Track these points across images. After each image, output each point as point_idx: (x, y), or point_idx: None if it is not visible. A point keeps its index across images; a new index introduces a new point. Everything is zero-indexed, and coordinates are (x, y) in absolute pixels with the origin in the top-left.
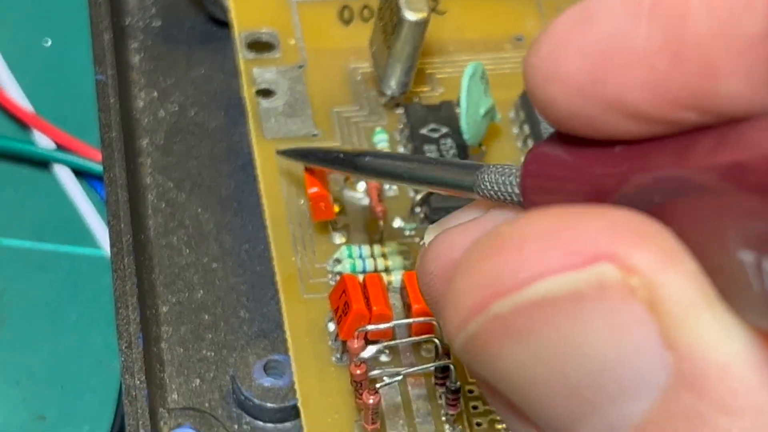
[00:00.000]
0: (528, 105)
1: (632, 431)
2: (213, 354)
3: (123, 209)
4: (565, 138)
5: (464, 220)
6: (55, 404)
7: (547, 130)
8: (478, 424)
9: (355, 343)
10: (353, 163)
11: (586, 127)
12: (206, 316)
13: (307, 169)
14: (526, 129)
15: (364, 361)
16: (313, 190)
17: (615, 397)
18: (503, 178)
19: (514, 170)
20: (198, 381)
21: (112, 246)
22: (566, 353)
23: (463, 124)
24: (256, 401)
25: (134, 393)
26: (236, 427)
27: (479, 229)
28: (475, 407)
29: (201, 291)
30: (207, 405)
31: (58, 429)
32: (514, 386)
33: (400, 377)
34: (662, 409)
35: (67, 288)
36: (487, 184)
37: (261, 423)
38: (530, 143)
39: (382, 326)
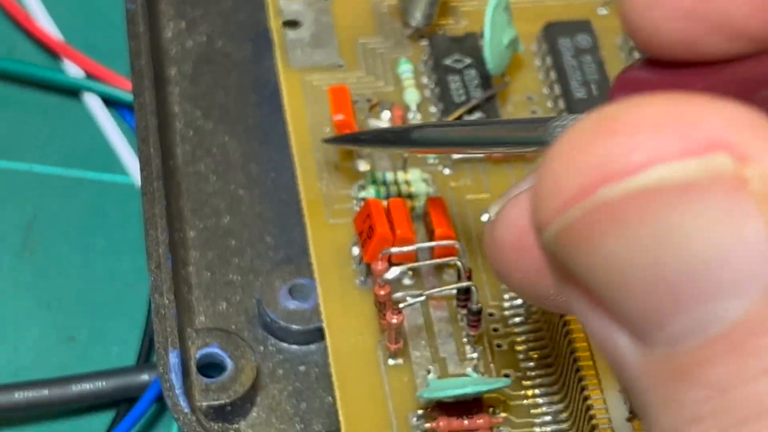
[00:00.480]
0: (551, 37)
1: (725, 329)
2: (239, 278)
3: (152, 135)
4: (654, 62)
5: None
6: (85, 326)
7: (568, 63)
8: (498, 346)
9: (379, 265)
10: (407, 138)
11: (686, 50)
12: (233, 242)
13: (332, 95)
14: (549, 61)
15: (388, 282)
16: (338, 117)
17: (713, 294)
18: None
19: None
20: (224, 304)
21: (141, 170)
22: (669, 245)
23: (487, 53)
24: (282, 323)
25: (163, 312)
26: (262, 348)
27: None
28: (495, 329)
29: (228, 217)
30: (233, 327)
31: (88, 350)
32: (608, 278)
33: (422, 297)
34: (761, 310)
35: (95, 214)
36: (561, 131)
37: (286, 345)
38: (552, 75)
39: (405, 249)
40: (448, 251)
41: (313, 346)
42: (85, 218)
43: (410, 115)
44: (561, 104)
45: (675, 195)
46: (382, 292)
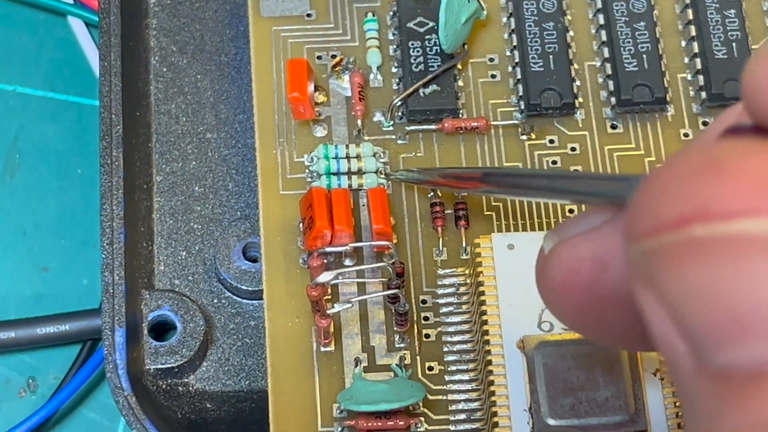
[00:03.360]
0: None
1: None
2: (200, 227)
3: (115, 99)
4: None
5: (585, 228)
6: (58, 256)
7: (531, 30)
8: (427, 336)
9: (315, 261)
10: (483, 180)
11: None
12: (196, 188)
13: (289, 70)
14: (512, 23)
15: (320, 284)
16: (294, 94)
17: None
18: None
19: None
20: (184, 253)
21: (101, 139)
22: (749, 286)
23: (441, 36)
24: (233, 283)
25: (112, 290)
26: (215, 301)
27: (603, 240)
28: (426, 318)
29: (194, 162)
30: (191, 278)
31: (59, 280)
32: (685, 300)
33: (350, 305)
34: None
35: (75, 138)
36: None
37: (239, 299)
38: (514, 39)
39: (339, 249)
40: (384, 247)
41: (264, 301)
42: (65, 142)
43: (371, 77)
44: (518, 73)
45: (762, 247)
46: (314, 293)
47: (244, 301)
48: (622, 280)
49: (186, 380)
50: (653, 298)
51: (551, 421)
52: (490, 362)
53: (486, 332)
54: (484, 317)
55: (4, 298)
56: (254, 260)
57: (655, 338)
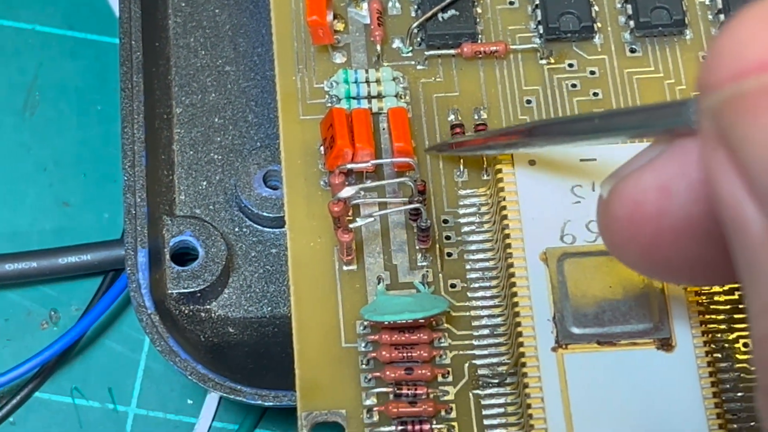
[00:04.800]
0: None
1: None
2: (220, 157)
3: (135, 24)
4: None
5: (642, 163)
6: (79, 191)
7: None
8: (449, 255)
9: (336, 179)
10: (531, 134)
11: None
12: (216, 119)
13: None
14: None
15: (342, 200)
16: (313, 17)
17: None
18: None
19: None
20: (204, 183)
21: (121, 64)
22: None
23: None
24: (254, 210)
25: (134, 212)
26: (236, 229)
27: (665, 168)
28: (448, 237)
29: (213, 94)
30: (212, 207)
31: (80, 215)
32: (760, 152)
33: (372, 219)
34: None
35: (94, 76)
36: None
37: (260, 227)
38: None
39: (361, 164)
40: (406, 165)
41: (286, 230)
42: (84, 80)
43: (389, 5)
44: None
45: None
46: (336, 209)
47: (266, 229)
48: (688, 206)
49: (208, 306)
50: (724, 157)
51: (575, 330)
52: (513, 274)
53: (509, 245)
54: (507, 231)
55: (26, 233)
56: (275, 188)
57: (721, 204)
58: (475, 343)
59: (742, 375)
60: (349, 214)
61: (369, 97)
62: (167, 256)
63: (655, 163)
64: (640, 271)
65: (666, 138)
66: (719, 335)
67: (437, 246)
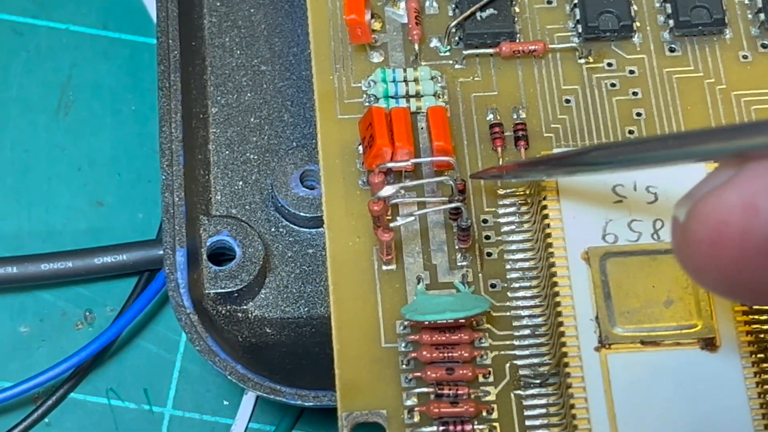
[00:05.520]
0: None
1: None
2: (256, 157)
3: (172, 24)
4: None
5: (718, 183)
6: (113, 191)
7: None
8: (489, 255)
9: (376, 178)
10: (578, 162)
11: None
12: (252, 119)
13: None
14: None
15: (382, 199)
16: (351, 16)
17: None
18: None
19: None
20: (241, 183)
21: (158, 63)
22: None
23: None
24: (291, 210)
25: (172, 211)
26: (273, 230)
27: (749, 183)
28: (488, 237)
29: (249, 93)
30: (248, 207)
31: (115, 215)
32: None
33: (412, 218)
34: None
35: (128, 76)
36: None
37: (296, 227)
38: None
39: (401, 164)
40: (445, 164)
41: (322, 230)
42: (117, 80)
43: (426, 4)
44: None
45: None
46: (376, 208)
47: (302, 229)
48: None
49: (245, 307)
50: None
51: (618, 330)
52: (554, 274)
53: (550, 245)
54: (548, 231)
55: (60, 232)
56: (311, 188)
57: None
58: (516, 343)
59: None
60: (389, 213)
61: (407, 96)
62: (204, 256)
63: (736, 181)
64: (721, 295)
65: (739, 160)
66: (763, 335)
67: (477, 245)
